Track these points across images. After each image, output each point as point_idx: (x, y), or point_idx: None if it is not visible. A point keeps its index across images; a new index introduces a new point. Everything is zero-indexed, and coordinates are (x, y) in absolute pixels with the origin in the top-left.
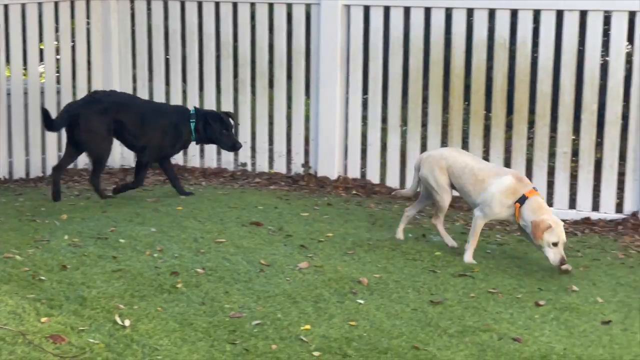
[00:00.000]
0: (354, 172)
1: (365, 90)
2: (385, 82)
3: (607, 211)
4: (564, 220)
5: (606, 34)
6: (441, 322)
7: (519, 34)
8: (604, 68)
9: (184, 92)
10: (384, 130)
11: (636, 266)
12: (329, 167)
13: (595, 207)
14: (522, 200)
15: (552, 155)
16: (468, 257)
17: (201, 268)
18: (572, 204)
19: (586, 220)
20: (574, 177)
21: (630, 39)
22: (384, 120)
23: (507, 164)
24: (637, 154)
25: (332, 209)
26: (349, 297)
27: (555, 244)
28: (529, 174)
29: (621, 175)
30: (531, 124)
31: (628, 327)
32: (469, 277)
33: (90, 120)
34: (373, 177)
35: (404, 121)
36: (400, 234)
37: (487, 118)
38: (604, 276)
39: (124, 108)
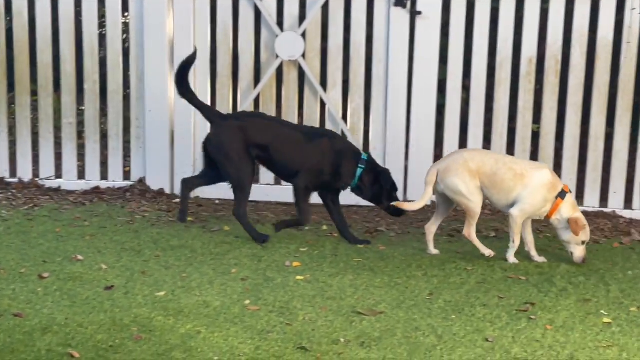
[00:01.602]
0: None
1: None
2: None
3: (116, 179)
4: (73, 191)
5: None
6: None
7: (15, 4)
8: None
9: None
10: None
11: (141, 230)
12: None
13: (105, 176)
14: (562, 195)
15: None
16: (511, 257)
17: None
18: (82, 174)
19: (96, 190)
20: (83, 147)
21: (126, 8)
22: None
23: (13, 137)
24: (140, 122)
25: None
26: None
27: (584, 243)
28: (35, 146)
29: (128, 143)
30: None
31: (130, 291)
32: None
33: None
34: None
35: None
36: (432, 250)
37: None
38: (110, 243)
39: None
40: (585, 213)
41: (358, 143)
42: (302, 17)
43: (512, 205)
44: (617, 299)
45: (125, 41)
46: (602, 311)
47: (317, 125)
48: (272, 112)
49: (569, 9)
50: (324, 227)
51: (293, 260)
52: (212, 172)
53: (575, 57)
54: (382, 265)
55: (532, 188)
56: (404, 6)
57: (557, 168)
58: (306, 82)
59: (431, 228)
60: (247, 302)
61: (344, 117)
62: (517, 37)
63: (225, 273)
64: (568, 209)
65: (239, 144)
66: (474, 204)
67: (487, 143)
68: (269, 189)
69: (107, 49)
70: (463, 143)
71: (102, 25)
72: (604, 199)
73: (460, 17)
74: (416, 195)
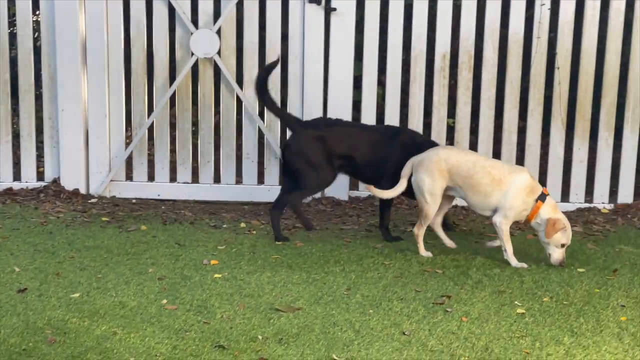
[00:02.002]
0: None
1: None
2: None
3: (29, 180)
4: None
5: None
6: None
7: None
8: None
9: None
10: None
11: (55, 231)
12: None
13: (17, 176)
14: (542, 198)
15: None
16: (515, 262)
17: None
18: None
19: (8, 191)
20: None
21: (36, 6)
22: None
23: None
24: (53, 122)
25: None
26: None
27: (563, 245)
28: None
29: (42, 143)
30: None
31: (43, 293)
32: None
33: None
34: None
35: None
36: (450, 243)
37: None
38: (23, 245)
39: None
40: None
41: (276, 140)
42: (216, 14)
43: (491, 210)
44: (530, 289)
45: (37, 40)
46: (516, 302)
47: (234, 122)
48: (187, 110)
49: (480, 5)
50: (242, 225)
51: (211, 259)
52: (292, 184)
53: (487, 53)
54: (300, 262)
55: (510, 193)
56: (319, 3)
57: None
58: (222, 80)
59: (437, 219)
60: (164, 301)
61: (261, 115)
62: (430, 33)
63: (142, 273)
64: (548, 211)
65: (319, 152)
66: (429, 206)
67: None
68: (186, 188)
69: (17, 47)
70: None
71: (12, 24)
72: None
73: (375, 13)
74: (334, 191)
